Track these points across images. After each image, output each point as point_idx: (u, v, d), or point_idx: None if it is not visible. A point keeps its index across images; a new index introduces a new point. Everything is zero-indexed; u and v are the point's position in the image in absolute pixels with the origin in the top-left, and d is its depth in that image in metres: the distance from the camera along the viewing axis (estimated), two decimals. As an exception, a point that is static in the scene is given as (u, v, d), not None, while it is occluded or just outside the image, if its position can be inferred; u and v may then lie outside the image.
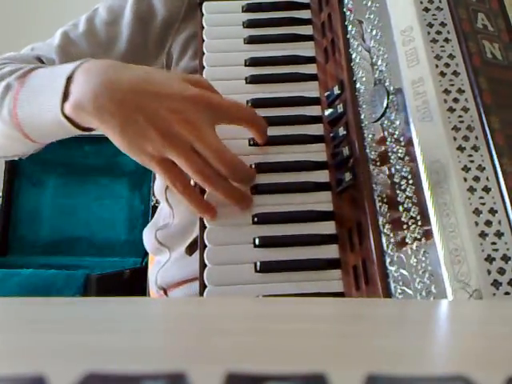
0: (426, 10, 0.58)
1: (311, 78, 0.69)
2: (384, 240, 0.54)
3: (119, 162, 2.17)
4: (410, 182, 0.54)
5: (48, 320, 0.30)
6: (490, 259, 0.47)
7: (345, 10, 0.68)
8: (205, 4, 0.75)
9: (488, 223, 0.49)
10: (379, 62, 0.61)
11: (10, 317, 0.32)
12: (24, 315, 0.32)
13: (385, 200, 0.56)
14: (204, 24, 0.74)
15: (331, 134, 0.64)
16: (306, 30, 0.73)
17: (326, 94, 0.67)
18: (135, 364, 0.22)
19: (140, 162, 0.61)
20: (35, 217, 2.28)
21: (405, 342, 0.27)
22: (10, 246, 2.28)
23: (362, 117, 0.61)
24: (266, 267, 0.59)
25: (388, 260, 0.53)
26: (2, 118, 0.69)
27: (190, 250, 0.67)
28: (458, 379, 0.19)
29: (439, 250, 0.49)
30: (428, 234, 0.51)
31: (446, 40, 0.57)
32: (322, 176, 0.63)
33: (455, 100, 0.54)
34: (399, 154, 0.55)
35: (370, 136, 0.59)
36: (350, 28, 0.66)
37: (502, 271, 0.47)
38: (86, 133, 0.66)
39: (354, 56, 0.64)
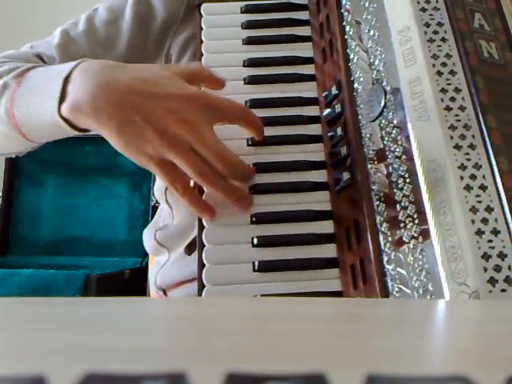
0: (423, 10, 0.59)
1: (309, 78, 0.70)
2: (381, 239, 0.54)
3: (119, 162, 2.17)
4: (407, 180, 0.54)
5: (48, 320, 0.30)
6: (486, 257, 0.48)
7: (342, 10, 0.68)
8: (203, 5, 0.75)
9: (484, 221, 0.49)
10: (376, 62, 0.61)
11: (10, 317, 0.32)
12: (24, 315, 0.32)
13: (382, 199, 0.56)
14: (203, 25, 0.74)
15: (329, 134, 0.64)
16: (304, 30, 0.73)
17: (323, 94, 0.67)
18: (135, 364, 0.22)
19: (138, 163, 0.60)
20: (35, 217, 2.28)
21: (404, 341, 0.27)
22: (10, 246, 2.28)
23: (360, 116, 0.61)
24: (264, 267, 0.59)
25: (385, 258, 0.54)
26: (0, 117, 0.69)
27: (189, 249, 0.67)
28: (458, 379, 0.19)
29: (436, 248, 0.49)
30: (425, 233, 0.51)
31: (443, 40, 0.57)
32: (320, 176, 0.63)
33: (452, 99, 0.54)
34: (396, 153, 0.56)
35: (368, 135, 0.59)
36: (347, 29, 0.66)
37: (498, 268, 0.47)
38: (83, 134, 0.65)
39: (351, 56, 0.65)
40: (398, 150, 0.56)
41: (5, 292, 1.76)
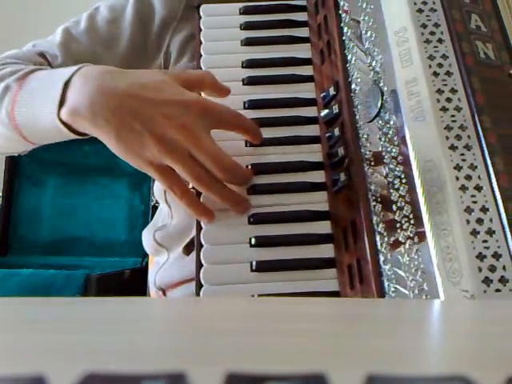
0: (420, 11, 0.59)
1: (307, 79, 0.70)
2: (378, 239, 0.55)
3: (119, 162, 2.13)
4: (404, 181, 0.54)
5: (48, 320, 0.30)
6: (481, 257, 0.48)
7: (340, 12, 0.68)
8: (202, 6, 0.75)
9: (479, 221, 0.49)
10: (374, 63, 0.61)
11: (10, 317, 0.32)
12: (24, 315, 0.32)
13: (379, 199, 0.56)
14: (201, 26, 0.74)
15: (327, 135, 0.64)
16: (303, 32, 0.73)
17: (321, 95, 0.67)
18: (135, 364, 0.22)
19: (137, 167, 0.61)
20: (35, 217, 2.27)
21: (404, 341, 0.27)
22: (10, 245, 2.27)
23: (357, 117, 0.61)
24: (262, 267, 0.59)
25: (382, 259, 0.54)
26: (1, 120, 0.69)
27: (188, 249, 0.67)
28: (457, 379, 0.19)
29: (431, 248, 0.49)
30: (420, 233, 0.51)
31: (440, 40, 0.57)
32: (318, 176, 0.63)
33: (448, 100, 0.54)
34: (393, 154, 0.56)
35: (365, 136, 0.60)
36: (345, 30, 0.66)
37: (492, 268, 0.47)
38: (83, 137, 0.66)
39: (349, 57, 0.65)
40: (394, 150, 0.56)
41: (5, 292, 1.75)
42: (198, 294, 0.58)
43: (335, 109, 0.64)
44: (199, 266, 0.60)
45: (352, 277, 0.56)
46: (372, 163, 0.58)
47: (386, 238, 0.54)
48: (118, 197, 2.25)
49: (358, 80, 0.63)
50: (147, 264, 1.97)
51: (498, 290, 0.47)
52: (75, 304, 0.38)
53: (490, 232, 0.49)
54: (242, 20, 0.74)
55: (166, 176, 0.60)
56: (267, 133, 0.65)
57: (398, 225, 0.53)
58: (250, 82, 0.70)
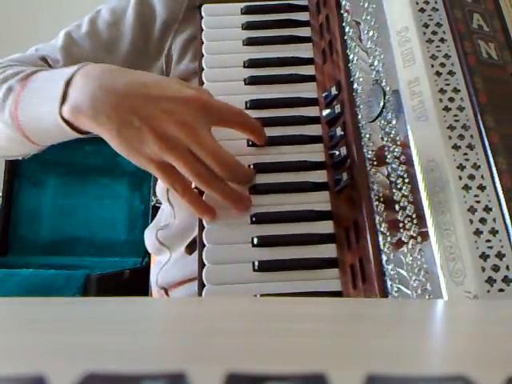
0: (422, 10, 0.59)
1: (309, 79, 0.70)
2: (381, 239, 0.55)
3: (119, 162, 2.17)
4: (406, 181, 0.54)
5: (48, 320, 0.30)
6: (484, 256, 0.48)
7: (342, 11, 0.68)
8: (204, 6, 0.75)
9: (483, 221, 0.49)
10: (376, 63, 0.61)
11: (10, 317, 0.32)
12: (24, 315, 0.32)
13: (381, 199, 0.56)
14: (203, 26, 0.74)
15: (329, 135, 0.64)
16: (304, 31, 0.73)
17: (323, 94, 0.67)
18: (135, 364, 0.21)
19: (139, 165, 0.61)
20: (35, 217, 2.28)
21: (404, 341, 0.26)
22: (10, 245, 2.27)
23: (359, 117, 0.61)
24: (264, 266, 0.59)
25: (385, 258, 0.54)
26: (4, 121, 0.69)
27: (190, 249, 0.67)
28: (458, 379, 0.19)
29: (434, 248, 0.49)
30: (423, 233, 0.51)
31: (442, 40, 0.57)
32: (320, 176, 0.63)
33: (451, 99, 0.54)
34: (395, 154, 0.56)
35: (367, 136, 0.59)
36: (347, 29, 0.66)
37: (496, 268, 0.47)
38: (85, 136, 0.66)
39: (351, 57, 0.65)
40: (396, 150, 0.56)
41: (5, 292, 1.76)
42: (200, 293, 0.58)
43: (337, 108, 0.64)
44: (201, 265, 0.60)
45: (354, 277, 0.56)
46: (374, 163, 0.58)
47: (388, 238, 0.54)
48: (118, 197, 2.25)
49: (360, 80, 0.62)
50: (147, 264, 1.97)
51: (501, 290, 0.47)
52: (75, 304, 0.38)
53: (494, 232, 0.48)
54: (243, 20, 0.74)
55: (167, 173, 0.60)
56: (269, 132, 0.65)
57: (401, 224, 0.53)
58: (252, 81, 0.70)
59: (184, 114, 0.59)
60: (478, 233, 0.49)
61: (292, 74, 0.70)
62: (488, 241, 0.48)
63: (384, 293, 0.53)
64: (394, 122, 0.57)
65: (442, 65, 0.56)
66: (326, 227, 0.61)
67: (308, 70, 0.70)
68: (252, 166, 0.64)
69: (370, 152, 0.59)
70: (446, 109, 0.54)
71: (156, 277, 0.86)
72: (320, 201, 0.62)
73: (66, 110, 0.62)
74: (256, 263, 0.59)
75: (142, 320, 0.32)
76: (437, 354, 0.25)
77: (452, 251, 0.48)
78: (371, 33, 0.62)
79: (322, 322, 0.31)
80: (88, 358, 0.22)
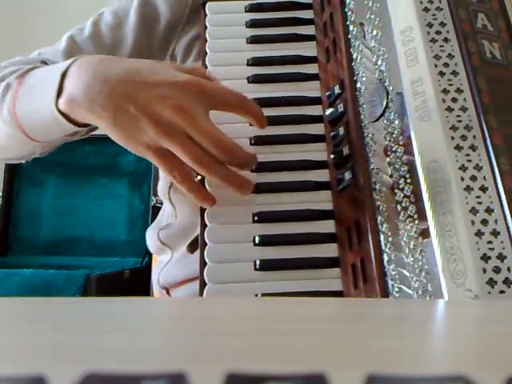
0: (426, 10, 0.59)
1: (313, 77, 0.70)
2: (382, 239, 0.54)
3: (119, 162, 2.17)
4: (408, 181, 0.54)
5: (48, 320, 0.30)
6: (485, 258, 0.48)
7: (346, 10, 0.68)
8: (208, 4, 0.75)
9: (484, 222, 0.49)
10: (379, 62, 0.61)
11: (10, 317, 0.32)
12: (24, 315, 0.32)
13: (383, 199, 0.56)
14: (207, 24, 0.74)
15: (332, 134, 0.64)
16: (308, 29, 0.73)
17: (327, 93, 0.67)
18: (135, 364, 0.22)
19: (137, 153, 0.60)
20: (35, 217, 2.28)
21: (404, 341, 0.27)
22: (10, 246, 2.28)
23: (362, 116, 0.61)
24: (266, 265, 0.59)
25: (386, 259, 0.54)
26: (3, 118, 0.69)
27: (192, 248, 0.67)
28: (458, 379, 0.19)
29: (435, 249, 0.49)
30: (425, 233, 0.51)
31: (446, 40, 0.57)
32: (323, 175, 0.63)
33: (454, 100, 0.54)
34: (398, 153, 0.55)
35: (370, 135, 0.59)
36: (351, 28, 0.66)
37: (497, 270, 0.47)
38: (83, 129, 0.66)
39: (355, 56, 0.65)
40: (399, 150, 0.55)
41: (5, 292, 1.76)
42: (201, 292, 0.58)
43: (340, 107, 0.64)
44: (203, 264, 0.60)
45: (356, 276, 0.56)
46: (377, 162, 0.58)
47: (390, 238, 0.54)
48: (118, 197, 2.25)
49: (364, 79, 0.62)
50: (147, 264, 1.98)
51: (502, 292, 0.47)
52: (75, 304, 0.38)
53: (495, 233, 0.48)
54: (247, 18, 0.74)
55: (165, 160, 0.59)
56: (272, 131, 0.64)
57: (403, 225, 0.53)
58: (255, 80, 0.70)
59: (180, 98, 0.58)
60: (479, 234, 0.48)
61: (295, 72, 0.70)
62: (489, 242, 0.48)
63: (385, 293, 0.52)
64: (396, 121, 0.57)
65: (446, 65, 0.56)
66: (328, 227, 0.60)
67: (311, 69, 0.70)
68: (253, 153, 0.63)
69: (372, 152, 0.58)
70: (449, 109, 0.54)
71: (157, 276, 0.86)
72: (322, 200, 0.62)
73: (62, 103, 0.62)
74: (257, 262, 0.59)
75: (143, 320, 0.33)
76: (437, 354, 0.25)
77: (453, 252, 0.48)
78: (375, 32, 0.62)
79: (323, 321, 0.32)
80: (88, 358, 0.22)
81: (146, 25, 0.83)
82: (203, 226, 0.62)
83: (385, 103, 0.58)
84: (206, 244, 0.60)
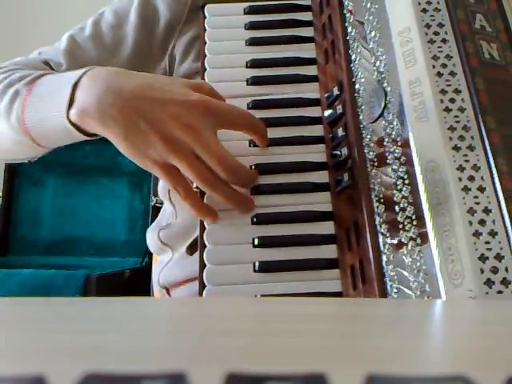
0: (424, 10, 0.59)
1: (312, 79, 0.70)
2: (381, 240, 0.54)
3: (119, 162, 2.17)
4: (406, 181, 0.54)
5: (48, 320, 0.30)
6: (483, 258, 0.48)
7: (345, 11, 0.68)
8: (207, 6, 0.76)
9: (482, 222, 0.49)
10: (378, 63, 0.61)
11: (10, 317, 0.32)
12: (24, 315, 0.32)
13: (382, 200, 0.56)
14: (206, 26, 0.74)
15: (330, 135, 0.64)
16: (307, 31, 0.73)
17: (325, 95, 0.67)
18: (135, 364, 0.22)
19: (143, 167, 0.61)
20: (35, 217, 2.28)
21: (404, 341, 0.26)
22: (10, 246, 2.27)
23: (361, 117, 0.61)
24: (265, 267, 0.59)
25: (384, 259, 0.54)
26: (11, 125, 0.70)
27: (191, 249, 0.67)
28: (458, 379, 0.19)
29: (433, 249, 0.49)
30: (423, 234, 0.51)
31: (444, 41, 0.57)
32: (322, 176, 0.63)
33: (452, 100, 0.54)
34: (396, 154, 0.56)
35: (369, 137, 0.59)
36: (349, 29, 0.66)
37: (495, 270, 0.47)
38: (93, 138, 0.66)
39: (353, 57, 0.65)
40: (397, 151, 0.56)
41: (5, 292, 1.76)
42: (201, 294, 0.59)
43: (339, 109, 0.64)
44: (202, 266, 0.60)
45: (355, 277, 0.56)
46: (375, 164, 0.58)
47: (388, 239, 0.54)
48: (118, 197, 2.25)
49: (362, 80, 0.62)
50: (147, 264, 1.97)
51: (499, 292, 0.46)
52: (75, 304, 0.38)
53: (493, 233, 0.48)
54: (246, 20, 0.74)
55: (170, 175, 0.61)
56: (271, 133, 0.65)
57: (401, 226, 0.53)
58: (254, 82, 0.70)
59: (190, 117, 0.59)
60: (477, 234, 0.48)
61: (294, 74, 0.70)
62: (487, 242, 0.48)
63: (384, 293, 0.52)
64: (394, 122, 0.57)
65: (444, 65, 0.56)
66: (327, 228, 0.60)
67: (310, 70, 0.70)
68: (253, 167, 0.64)
69: (370, 153, 0.59)
70: (447, 110, 0.54)
71: (158, 276, 0.86)
72: (321, 201, 0.62)
73: (73, 113, 0.63)
74: (257, 264, 0.59)
75: (143, 320, 0.32)
76: (436, 354, 0.25)
77: (451, 253, 0.48)
78: (373, 33, 0.62)
79: (322, 321, 0.32)
80: (88, 358, 0.22)
81: (146, 25, 0.84)
82: (202, 228, 0.62)
83: (383, 104, 0.58)
84: (205, 246, 0.61)
